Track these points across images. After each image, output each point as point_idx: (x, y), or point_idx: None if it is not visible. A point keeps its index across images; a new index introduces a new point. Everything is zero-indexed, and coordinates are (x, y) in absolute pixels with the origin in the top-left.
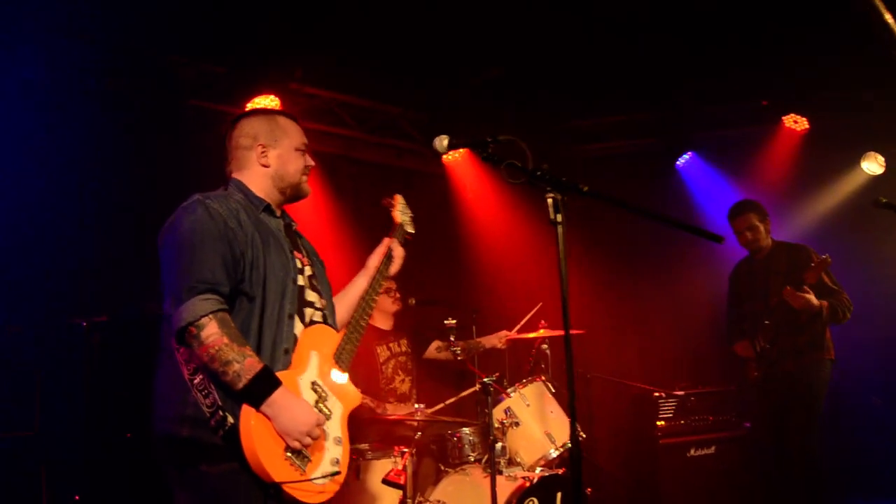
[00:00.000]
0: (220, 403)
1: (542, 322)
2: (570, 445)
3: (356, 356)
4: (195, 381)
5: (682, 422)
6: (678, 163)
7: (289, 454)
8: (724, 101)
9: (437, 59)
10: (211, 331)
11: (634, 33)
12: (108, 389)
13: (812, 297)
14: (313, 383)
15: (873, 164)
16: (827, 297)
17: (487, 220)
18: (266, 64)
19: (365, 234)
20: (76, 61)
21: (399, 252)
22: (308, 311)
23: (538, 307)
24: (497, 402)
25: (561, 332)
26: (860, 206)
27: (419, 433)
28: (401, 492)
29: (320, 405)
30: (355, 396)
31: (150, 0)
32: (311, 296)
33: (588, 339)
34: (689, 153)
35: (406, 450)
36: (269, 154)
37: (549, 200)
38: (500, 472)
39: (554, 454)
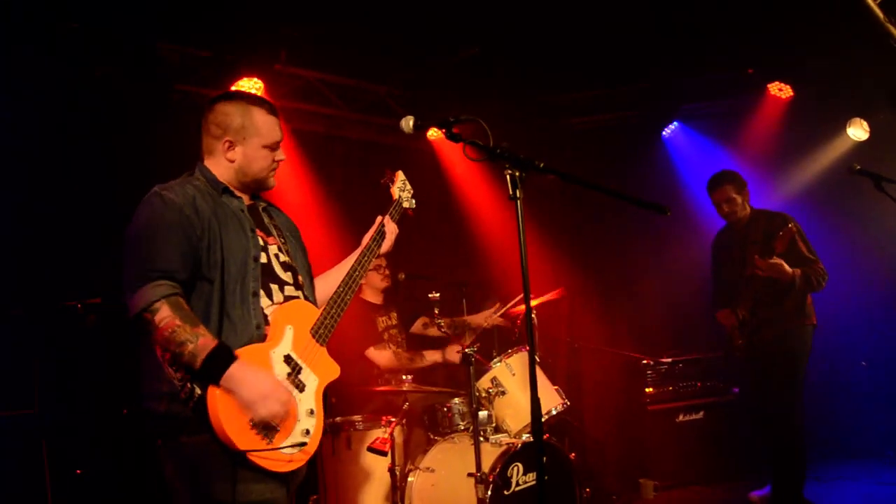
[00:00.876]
0: (188, 376)
1: (532, 294)
2: (554, 413)
3: (363, 330)
4: (167, 357)
5: (671, 388)
6: (664, 133)
7: (255, 424)
8: (710, 69)
9: (422, 37)
10: (163, 315)
11: (618, 3)
12: (105, 368)
13: (783, 266)
14: (286, 356)
15: (859, 131)
16: (801, 265)
17: (473, 194)
18: (250, 46)
19: (352, 213)
20: (59, 47)
21: (391, 228)
22: (274, 288)
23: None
24: (483, 371)
25: (547, 300)
26: (845, 173)
27: (407, 403)
28: (388, 459)
29: (293, 378)
30: (333, 370)
31: None
32: (279, 273)
33: (576, 307)
34: (676, 123)
35: (393, 419)
36: (236, 150)
37: (508, 176)
38: (487, 440)
39: None
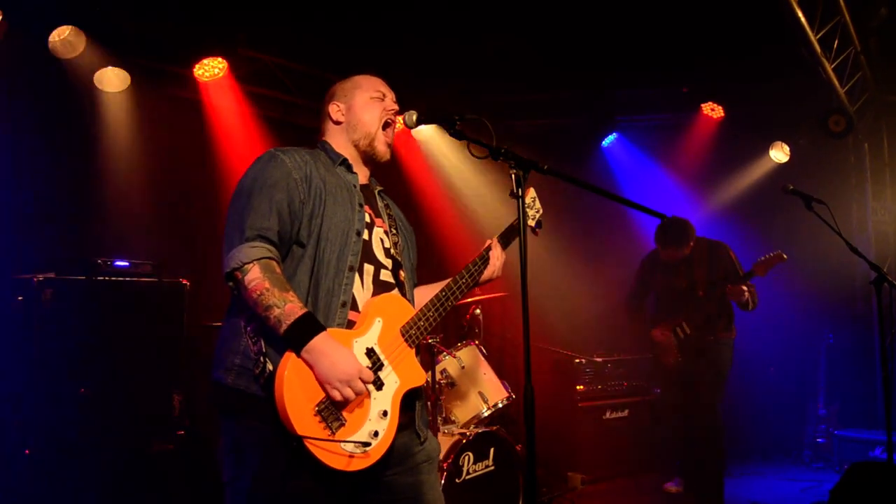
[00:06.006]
0: (264, 350)
1: (476, 289)
2: (500, 406)
3: None
4: (248, 329)
5: (599, 387)
6: (604, 143)
7: (320, 412)
8: (648, 85)
9: (380, 29)
10: (253, 276)
11: (564, 14)
12: (61, 344)
13: (748, 292)
14: (369, 349)
15: (779, 153)
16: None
17: (428, 186)
18: (213, 26)
19: None
20: (24, 9)
21: (496, 254)
22: (369, 268)
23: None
24: (436, 362)
25: (492, 296)
26: (767, 191)
27: None
28: None
29: (373, 373)
30: (417, 375)
31: None
32: (380, 256)
33: (512, 306)
34: (615, 135)
35: None
36: (342, 108)
37: (513, 175)
38: (439, 429)
39: (486, 413)
